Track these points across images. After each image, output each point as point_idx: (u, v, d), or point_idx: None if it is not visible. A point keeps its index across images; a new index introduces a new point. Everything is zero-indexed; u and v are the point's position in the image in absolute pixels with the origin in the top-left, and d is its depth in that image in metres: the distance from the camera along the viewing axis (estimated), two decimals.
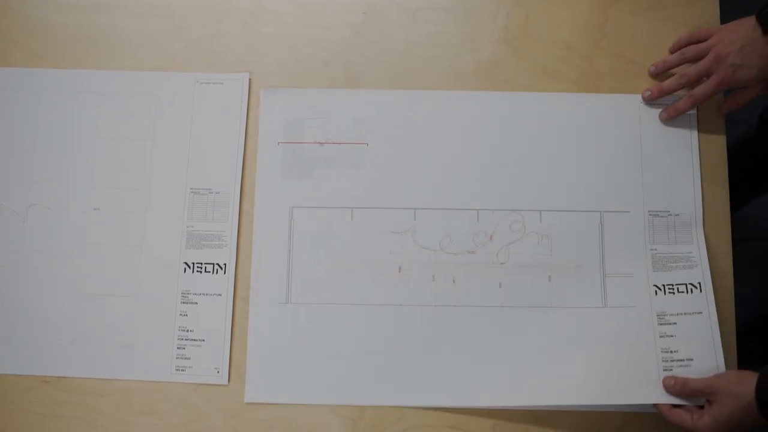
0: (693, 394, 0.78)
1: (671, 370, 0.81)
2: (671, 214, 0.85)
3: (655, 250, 0.84)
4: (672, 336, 0.82)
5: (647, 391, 0.81)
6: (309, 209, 0.86)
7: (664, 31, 0.90)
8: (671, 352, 0.82)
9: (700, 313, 0.83)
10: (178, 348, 0.82)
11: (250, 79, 0.89)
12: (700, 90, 0.84)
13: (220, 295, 0.83)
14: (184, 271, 0.84)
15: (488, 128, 0.88)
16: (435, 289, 0.84)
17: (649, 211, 0.85)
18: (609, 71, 0.90)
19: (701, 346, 0.82)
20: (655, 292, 0.84)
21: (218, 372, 0.82)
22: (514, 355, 0.83)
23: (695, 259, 0.84)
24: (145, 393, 0.83)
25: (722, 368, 0.81)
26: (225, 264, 0.84)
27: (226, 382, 0.82)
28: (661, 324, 0.83)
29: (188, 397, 0.83)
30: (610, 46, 0.90)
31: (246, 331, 0.84)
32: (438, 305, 0.84)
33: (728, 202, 0.87)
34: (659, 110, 0.87)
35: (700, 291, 0.83)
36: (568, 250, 0.85)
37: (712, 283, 0.84)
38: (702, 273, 0.83)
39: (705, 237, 0.85)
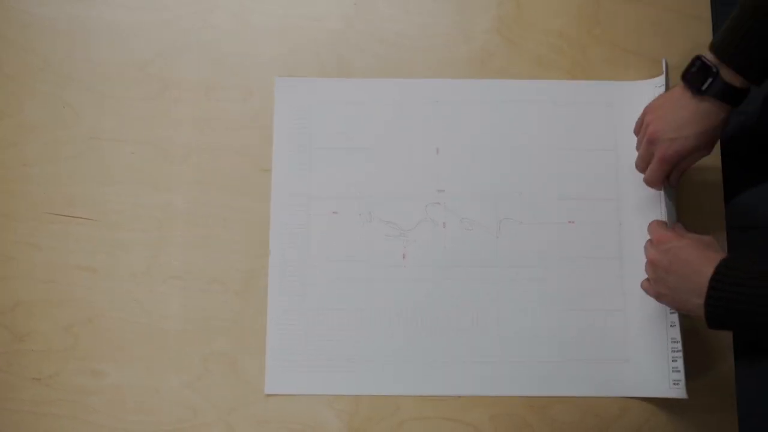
0: None
1: (676, 361, 0.80)
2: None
3: None
4: (679, 325, 0.81)
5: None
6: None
7: (657, 18, 0.90)
8: (677, 342, 0.81)
9: None
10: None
11: None
12: (647, 176, 0.81)
13: None
14: None
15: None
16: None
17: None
18: (602, 60, 0.89)
19: None
20: None
21: None
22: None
23: None
24: (138, 390, 0.82)
25: None
26: None
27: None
28: (672, 312, 0.81)
29: (181, 394, 0.82)
30: (604, 35, 0.90)
31: None
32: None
33: (722, 191, 0.87)
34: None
35: None
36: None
37: None
38: None
39: (699, 226, 0.84)
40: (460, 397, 0.82)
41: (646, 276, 0.77)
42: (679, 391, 0.79)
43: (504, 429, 0.82)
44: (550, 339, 0.83)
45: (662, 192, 0.81)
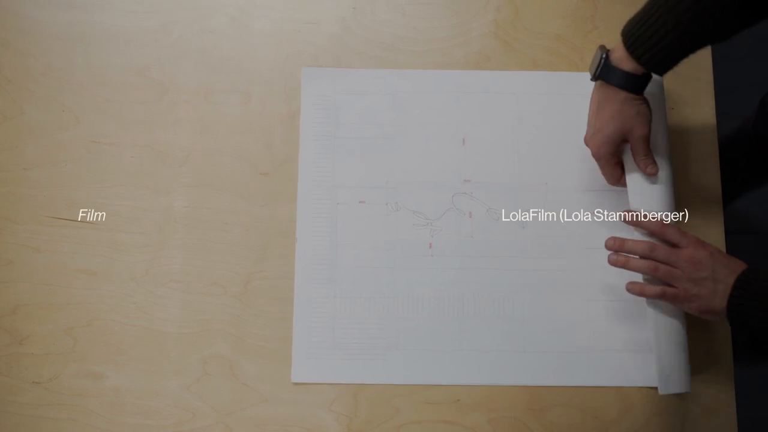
0: None
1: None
2: None
3: None
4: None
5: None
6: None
7: None
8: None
9: None
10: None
11: None
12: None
13: None
14: None
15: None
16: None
17: None
18: None
19: None
20: None
21: None
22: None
23: None
24: (138, 393, 0.82)
25: None
26: None
27: None
28: None
29: (181, 396, 0.82)
30: (600, 38, 0.90)
31: None
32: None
33: (720, 196, 0.87)
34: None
35: None
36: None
37: None
38: None
39: (698, 231, 0.84)
40: (459, 399, 0.82)
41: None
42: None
43: None
44: (573, 329, 0.83)
45: (628, 187, 0.81)
